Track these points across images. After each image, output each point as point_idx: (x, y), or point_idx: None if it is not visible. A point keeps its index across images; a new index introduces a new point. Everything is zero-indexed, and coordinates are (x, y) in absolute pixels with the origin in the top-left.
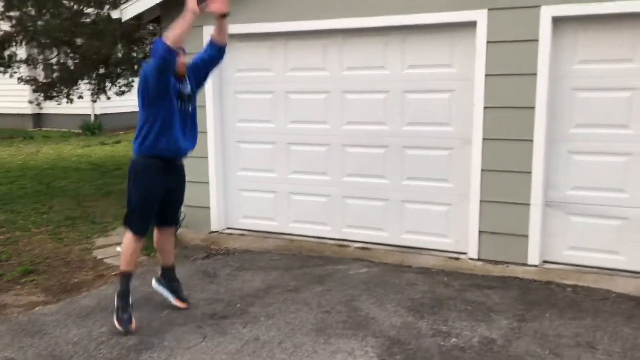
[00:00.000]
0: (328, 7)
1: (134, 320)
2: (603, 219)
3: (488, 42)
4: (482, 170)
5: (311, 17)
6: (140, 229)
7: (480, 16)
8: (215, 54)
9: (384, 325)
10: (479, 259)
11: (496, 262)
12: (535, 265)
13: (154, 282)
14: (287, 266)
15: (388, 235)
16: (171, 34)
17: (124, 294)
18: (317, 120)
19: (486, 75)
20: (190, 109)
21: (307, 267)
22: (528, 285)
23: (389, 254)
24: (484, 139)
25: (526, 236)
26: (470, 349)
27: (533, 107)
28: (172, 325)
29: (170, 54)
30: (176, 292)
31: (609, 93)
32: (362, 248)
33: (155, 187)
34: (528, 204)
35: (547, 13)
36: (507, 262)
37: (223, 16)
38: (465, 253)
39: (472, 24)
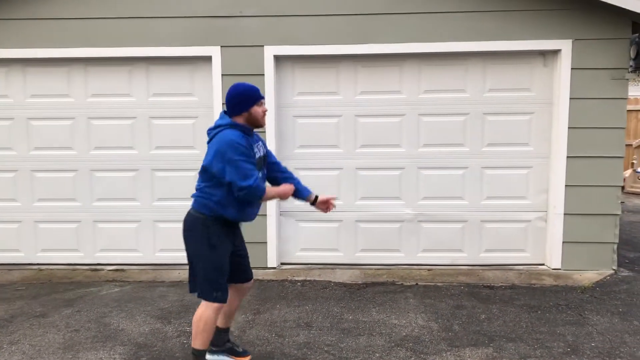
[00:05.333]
0: (68, 36)
1: None
2: (324, 223)
3: (223, 74)
4: None
5: (51, 45)
6: (225, 295)
7: (214, 52)
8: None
9: (132, 334)
10: None
11: None
12: (274, 268)
13: (207, 356)
14: (35, 294)
15: (142, 255)
16: (270, 195)
17: None
18: (63, 147)
19: (223, 103)
20: (261, 175)
21: (57, 293)
22: (266, 285)
23: (143, 272)
24: None
25: (265, 243)
26: None
27: (264, 131)
28: None
29: (256, 198)
30: (233, 350)
31: (321, 119)
32: (117, 270)
33: (227, 247)
34: (265, 215)
35: (269, 52)
36: (252, 267)
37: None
38: None
39: (208, 59)
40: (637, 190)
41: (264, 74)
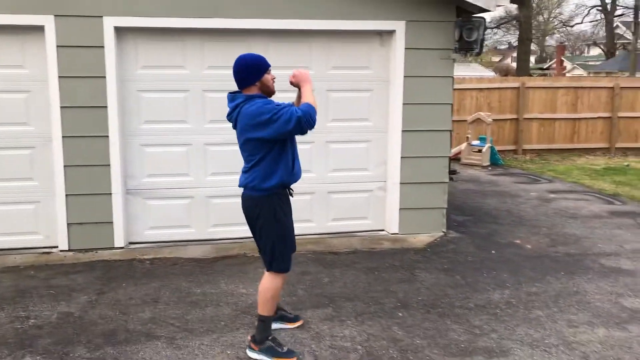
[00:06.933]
0: None
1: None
2: (174, 200)
3: (58, 46)
4: (65, 166)
5: None
6: (289, 265)
7: (47, 22)
8: None
9: None
10: (69, 250)
11: (86, 250)
12: (122, 248)
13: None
14: None
15: None
16: (312, 102)
17: (271, 333)
18: None
19: (60, 77)
20: None
21: None
22: (112, 265)
23: None
24: (64, 137)
25: (111, 222)
26: (47, 325)
27: (106, 107)
28: None
29: (313, 117)
30: (284, 317)
31: (167, 94)
32: None
33: (290, 218)
34: (110, 194)
35: (109, 23)
36: (96, 249)
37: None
38: (56, 247)
39: (40, 28)
40: (471, 162)
41: (103, 46)
